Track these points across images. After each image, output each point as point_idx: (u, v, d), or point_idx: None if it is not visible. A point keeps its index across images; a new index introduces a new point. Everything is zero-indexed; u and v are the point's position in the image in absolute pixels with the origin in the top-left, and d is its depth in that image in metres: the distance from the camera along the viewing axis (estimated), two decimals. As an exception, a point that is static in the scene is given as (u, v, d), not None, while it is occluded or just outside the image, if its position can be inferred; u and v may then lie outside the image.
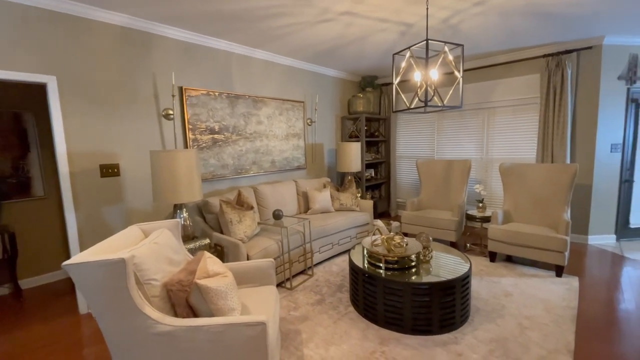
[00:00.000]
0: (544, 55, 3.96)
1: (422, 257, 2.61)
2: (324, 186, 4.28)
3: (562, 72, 3.85)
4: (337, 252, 3.72)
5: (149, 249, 1.67)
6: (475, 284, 2.96)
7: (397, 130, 5.65)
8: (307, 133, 4.65)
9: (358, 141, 5.11)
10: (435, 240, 4.03)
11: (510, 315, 2.43)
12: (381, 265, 2.48)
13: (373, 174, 5.87)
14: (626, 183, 3.90)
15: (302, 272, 3.31)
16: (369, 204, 4.14)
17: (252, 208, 3.03)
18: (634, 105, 3.77)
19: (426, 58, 2.25)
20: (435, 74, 2.55)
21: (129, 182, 2.89)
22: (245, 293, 2.02)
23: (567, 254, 3.00)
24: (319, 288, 2.96)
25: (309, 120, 4.65)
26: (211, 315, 1.59)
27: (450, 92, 2.58)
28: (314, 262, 3.45)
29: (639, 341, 2.10)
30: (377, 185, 5.99)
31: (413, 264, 2.50)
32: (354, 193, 4.13)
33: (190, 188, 2.46)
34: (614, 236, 3.98)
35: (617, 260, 3.44)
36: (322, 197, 3.96)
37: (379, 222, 4.20)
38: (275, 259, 2.92)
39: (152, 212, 3.04)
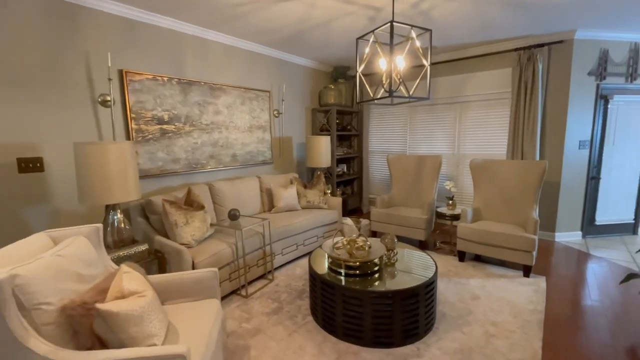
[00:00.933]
0: (516, 49, 3.85)
1: (386, 261, 2.42)
2: (291, 182, 4.02)
3: (534, 66, 3.76)
4: (303, 253, 3.48)
5: (45, 264, 1.35)
6: (443, 287, 2.82)
7: (369, 124, 5.45)
8: (273, 125, 4.35)
9: (329, 135, 4.87)
10: (404, 239, 3.87)
11: (477, 321, 2.29)
12: (341, 271, 2.26)
13: (345, 169, 5.67)
14: (593, 180, 3.90)
15: (261, 277, 3.05)
16: (337, 201, 3.92)
17: (202, 208, 2.72)
18: (603, 102, 3.75)
19: (390, 42, 2.01)
20: (401, 61, 2.33)
21: (55, 179, 2.49)
22: (180, 310, 1.73)
23: (534, 253, 2.91)
24: (278, 294, 2.72)
25: (275, 112, 4.34)
26: (122, 345, 1.30)
27: (417, 81, 2.37)
28: (276, 265, 3.20)
29: (605, 345, 2.01)
30: (349, 180, 5.80)
31: (376, 268, 2.30)
32: (323, 190, 3.89)
33: (124, 186, 2.12)
34: (580, 233, 3.99)
35: (583, 258, 3.42)
36: (288, 195, 3.69)
37: (348, 220, 4.00)
38: (229, 264, 2.64)
39: (86, 213, 2.66)
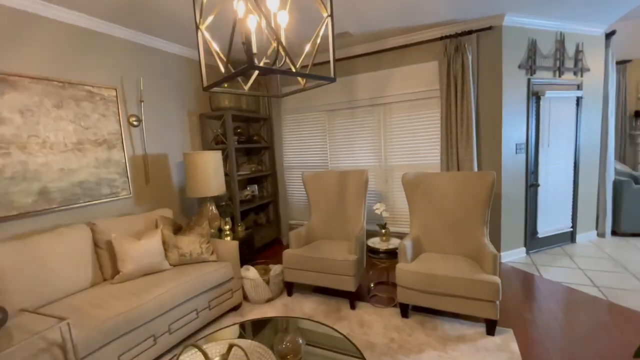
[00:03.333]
0: (442, 37, 3.19)
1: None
2: (157, 226, 2.64)
3: (462, 58, 3.13)
4: (169, 346, 2.14)
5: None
6: (386, 382, 1.80)
7: (282, 134, 4.37)
8: (130, 139, 2.92)
9: (224, 149, 3.62)
10: (328, 291, 2.77)
11: None
12: None
13: (256, 191, 4.46)
14: (532, 188, 3.42)
15: (69, 423, 1.63)
16: (231, 247, 2.68)
17: None
18: (535, 98, 3.30)
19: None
20: (284, 16, 1.26)
21: None
22: None
23: (498, 303, 2.11)
24: None
25: (133, 119, 2.93)
26: None
27: (315, 49, 1.32)
28: (107, 387, 1.80)
29: None
30: (263, 205, 4.60)
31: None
32: (205, 233, 2.61)
33: None
34: (524, 249, 3.47)
35: (541, 287, 2.81)
36: (144, 249, 2.32)
37: (251, 272, 2.79)
38: None
39: None
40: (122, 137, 2.82)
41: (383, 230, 2.82)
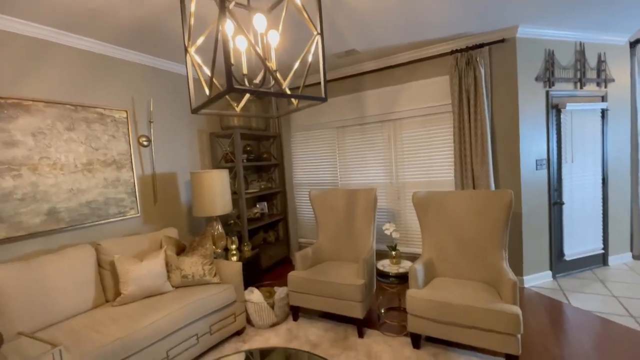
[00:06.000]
0: (452, 52, 3.11)
1: None
2: (161, 246, 2.62)
3: (474, 71, 3.02)
4: (167, 371, 2.07)
5: None
6: None
7: (291, 151, 4.35)
8: (140, 158, 2.97)
9: (229, 168, 3.62)
10: (335, 317, 2.62)
11: None
12: None
13: (266, 209, 4.42)
14: (556, 206, 3.19)
15: None
16: (234, 268, 2.61)
17: None
18: (555, 112, 3.12)
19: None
20: (275, 37, 1.22)
21: None
22: None
23: (520, 336, 1.92)
24: None
25: (143, 139, 2.98)
26: None
27: (307, 68, 1.26)
28: (100, 417, 1.73)
29: None
30: (273, 223, 4.55)
31: None
32: (208, 254, 2.56)
33: None
34: (550, 272, 3.21)
35: (570, 316, 2.55)
36: (146, 271, 2.29)
37: (255, 294, 2.70)
38: None
39: None
40: (132, 157, 2.87)
41: (393, 253, 2.68)
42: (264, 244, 4.28)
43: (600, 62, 3.22)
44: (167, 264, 2.45)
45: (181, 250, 2.64)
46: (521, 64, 2.96)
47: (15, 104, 2.18)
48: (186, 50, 1.16)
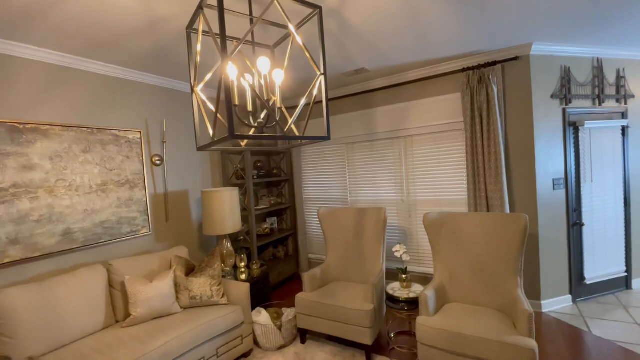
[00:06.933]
0: (464, 69, 3.07)
1: None
2: (171, 266, 2.65)
3: (487, 89, 2.97)
4: (174, 396, 2.06)
5: None
6: None
7: (301, 167, 4.35)
8: (152, 178, 3.02)
9: (238, 185, 3.64)
10: (343, 342, 2.55)
11: None
12: None
13: (276, 224, 4.43)
14: (575, 227, 3.06)
15: None
16: (242, 289, 2.60)
17: None
18: (572, 130, 3.02)
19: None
20: (280, 75, 1.23)
21: None
22: None
23: (538, 372, 1.82)
24: None
25: (156, 159, 3.05)
26: None
27: (311, 105, 1.27)
28: None
29: None
30: (283, 239, 4.54)
31: None
32: (216, 275, 2.56)
33: None
34: (570, 297, 3.06)
35: (591, 347, 2.42)
36: (156, 292, 2.31)
37: (263, 315, 2.68)
38: None
39: None
40: (145, 176, 2.93)
41: (404, 276, 2.62)
42: (274, 260, 4.27)
43: (620, 77, 3.11)
44: (176, 285, 2.46)
45: (190, 270, 2.66)
46: (536, 81, 2.89)
47: (34, 129, 2.26)
48: (192, 89, 1.18)
